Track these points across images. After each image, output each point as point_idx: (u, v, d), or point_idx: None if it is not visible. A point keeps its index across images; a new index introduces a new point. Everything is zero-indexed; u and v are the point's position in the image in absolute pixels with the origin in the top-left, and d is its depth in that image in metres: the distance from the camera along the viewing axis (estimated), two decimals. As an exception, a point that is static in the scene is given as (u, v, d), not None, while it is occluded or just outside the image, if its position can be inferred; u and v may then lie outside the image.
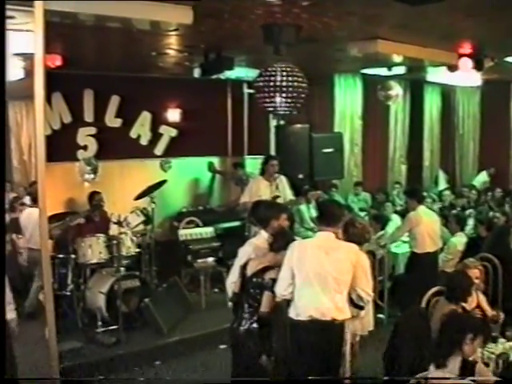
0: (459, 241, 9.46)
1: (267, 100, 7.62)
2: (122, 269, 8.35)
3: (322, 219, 5.75)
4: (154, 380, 6.97)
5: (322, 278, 5.39)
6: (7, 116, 9.83)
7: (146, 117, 11.38)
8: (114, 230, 8.76)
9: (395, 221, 10.93)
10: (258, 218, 6.59)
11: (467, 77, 10.55)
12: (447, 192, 14.11)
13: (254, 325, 5.72)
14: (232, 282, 6.02)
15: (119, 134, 10.99)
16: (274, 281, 5.59)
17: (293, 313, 5.51)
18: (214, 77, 10.05)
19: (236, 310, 6.02)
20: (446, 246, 9.57)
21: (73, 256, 8.30)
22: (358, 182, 14.01)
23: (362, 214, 12.28)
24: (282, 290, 5.51)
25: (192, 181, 12.26)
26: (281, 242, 5.80)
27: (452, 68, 9.79)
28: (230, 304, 7.41)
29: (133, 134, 11.30)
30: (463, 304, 6.10)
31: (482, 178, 15.73)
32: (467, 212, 12.09)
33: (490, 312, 6.62)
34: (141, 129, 11.37)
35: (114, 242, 8.33)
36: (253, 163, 11.91)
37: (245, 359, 5.83)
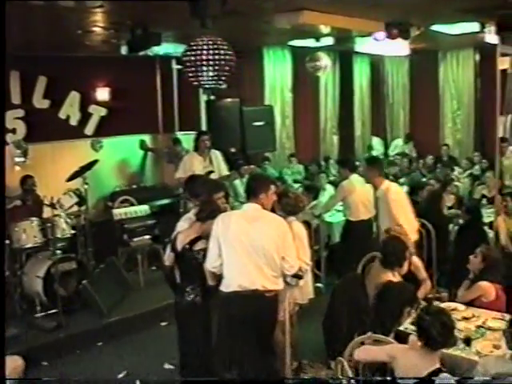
0: (392, 207, 9.61)
1: (195, 74, 7.55)
2: (58, 252, 8.26)
3: (247, 191, 5.87)
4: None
5: (247, 247, 5.47)
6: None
7: (74, 97, 11.18)
8: (47, 212, 8.65)
9: (329, 190, 11.06)
10: (193, 193, 6.64)
11: (395, 46, 10.66)
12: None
13: (198, 298, 5.77)
14: (166, 256, 6.11)
15: (48, 116, 10.77)
16: (205, 251, 5.65)
17: (223, 286, 5.57)
18: (142, 53, 9.91)
19: (174, 285, 6.06)
20: (380, 213, 9.72)
21: (7, 241, 8.15)
22: (291, 154, 14.09)
23: (296, 185, 12.36)
24: (211, 262, 5.59)
25: (124, 159, 12.13)
26: (206, 211, 5.87)
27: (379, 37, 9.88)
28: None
29: (62, 114, 11.10)
30: (398, 269, 6.24)
31: (396, 143, 16.12)
32: (400, 180, 12.30)
33: (423, 275, 6.80)
34: (70, 109, 11.17)
35: (49, 224, 8.21)
36: (186, 139, 11.86)
37: (191, 334, 5.88)
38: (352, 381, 4.34)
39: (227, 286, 5.51)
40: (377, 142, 16.39)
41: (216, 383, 5.95)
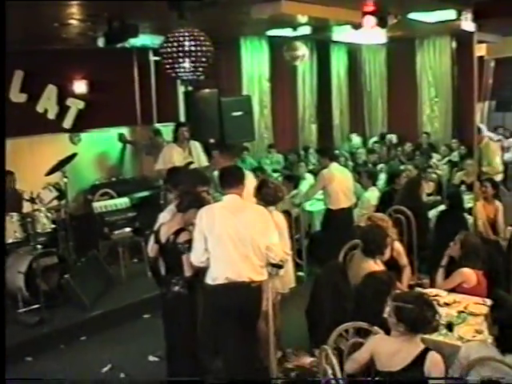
0: (372, 195, 9.67)
1: (174, 66, 7.55)
2: (39, 246, 8.19)
3: (224, 183, 5.88)
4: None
5: (233, 239, 5.51)
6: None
7: (51, 90, 11.09)
8: (27, 207, 8.61)
9: (309, 180, 11.09)
10: (174, 184, 6.66)
11: (372, 35, 10.67)
12: (361, 150, 14.37)
13: (183, 289, 5.78)
14: (149, 248, 6.11)
15: (25, 110, 10.69)
16: (189, 242, 5.66)
17: (209, 279, 5.59)
18: (119, 45, 9.87)
19: (158, 277, 6.07)
20: (360, 201, 9.78)
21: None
22: (270, 144, 14.12)
23: (275, 175, 12.39)
24: (198, 257, 5.60)
25: (103, 152, 12.07)
26: (185, 201, 5.89)
27: (356, 26, 9.90)
28: (150, 273, 7.47)
29: (39, 108, 11.00)
30: (380, 256, 6.30)
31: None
32: (379, 167, 12.37)
33: (405, 262, 6.87)
34: (47, 103, 11.07)
35: (29, 219, 8.14)
36: (165, 130, 11.84)
37: (177, 325, 5.89)
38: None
39: (214, 279, 5.53)
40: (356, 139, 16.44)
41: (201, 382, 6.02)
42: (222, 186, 5.92)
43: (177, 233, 5.81)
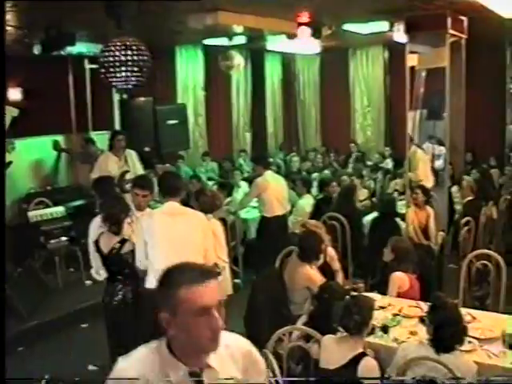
0: (306, 202, 9.79)
1: (112, 75, 7.55)
2: (-27, 257, 8.09)
3: (163, 191, 5.96)
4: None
5: (175, 243, 5.57)
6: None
7: (-16, 97, 10.95)
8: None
9: (243, 187, 11.18)
10: (100, 193, 6.74)
11: (306, 45, 10.86)
12: (295, 158, 14.54)
13: (129, 296, 5.81)
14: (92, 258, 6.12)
15: (-43, 117, 10.52)
16: (133, 251, 5.72)
17: (149, 283, 5.64)
18: (55, 53, 9.80)
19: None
20: (295, 209, 9.90)
21: None
22: (204, 152, 14.17)
23: (210, 182, 12.45)
24: (142, 261, 5.68)
25: (38, 160, 11.92)
26: (110, 218, 5.91)
27: (291, 36, 10.06)
28: (87, 282, 7.44)
29: (-28, 116, 10.86)
30: (315, 261, 6.45)
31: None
32: (313, 175, 12.53)
33: (337, 266, 7.05)
34: (-20, 110, 10.93)
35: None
36: (101, 138, 11.77)
37: (121, 333, 5.91)
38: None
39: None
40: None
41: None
42: (161, 194, 5.98)
43: (121, 243, 5.85)
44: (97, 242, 5.93)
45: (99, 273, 6.13)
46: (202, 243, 5.70)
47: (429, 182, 9.47)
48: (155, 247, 5.59)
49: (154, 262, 5.59)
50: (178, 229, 5.65)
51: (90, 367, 7.01)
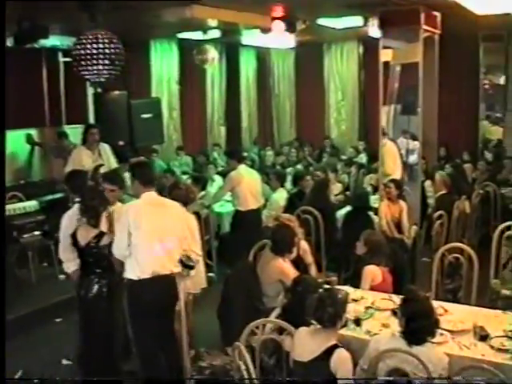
0: (280, 196, 9.79)
1: (84, 68, 7.53)
2: None
3: (140, 178, 5.90)
4: None
5: (159, 233, 5.63)
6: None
7: (-44, 91, 10.84)
8: None
9: (218, 181, 11.18)
10: (72, 187, 6.72)
11: (281, 39, 10.88)
12: (269, 152, 14.58)
13: (104, 289, 5.82)
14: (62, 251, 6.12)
15: None
16: (110, 245, 5.73)
17: (132, 274, 5.65)
18: (28, 46, 9.73)
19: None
20: (269, 203, 9.90)
21: None
22: (179, 146, 14.17)
23: (184, 176, 12.43)
24: (121, 252, 5.66)
25: (10, 154, 11.79)
26: (88, 211, 5.89)
27: (266, 31, 10.07)
28: (60, 277, 7.40)
29: None
30: (288, 255, 6.48)
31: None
32: (287, 169, 12.56)
33: (310, 260, 7.12)
34: (-49, 104, 10.82)
35: None
36: (74, 132, 11.69)
37: (96, 327, 5.91)
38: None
39: (141, 273, 5.59)
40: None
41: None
42: (138, 182, 5.92)
43: (98, 236, 5.84)
44: (74, 235, 5.90)
45: (70, 267, 6.11)
46: (181, 233, 5.79)
47: (396, 176, 9.52)
48: (140, 237, 5.58)
49: (137, 252, 5.59)
50: (161, 218, 5.70)
51: (64, 361, 6.98)
